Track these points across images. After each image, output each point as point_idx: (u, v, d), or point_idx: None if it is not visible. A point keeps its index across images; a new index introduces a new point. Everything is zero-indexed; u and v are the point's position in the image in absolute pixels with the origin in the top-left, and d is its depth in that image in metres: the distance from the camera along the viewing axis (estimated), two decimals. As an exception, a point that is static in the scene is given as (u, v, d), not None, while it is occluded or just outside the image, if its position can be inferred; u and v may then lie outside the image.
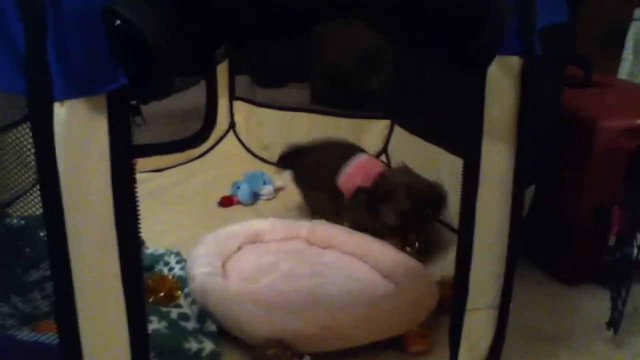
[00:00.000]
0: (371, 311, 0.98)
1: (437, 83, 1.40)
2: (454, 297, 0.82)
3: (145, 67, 0.49)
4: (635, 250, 1.04)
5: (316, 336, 0.94)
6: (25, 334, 0.91)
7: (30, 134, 0.51)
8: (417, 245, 1.26)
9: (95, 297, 0.57)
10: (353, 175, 1.36)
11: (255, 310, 0.97)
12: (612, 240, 1.14)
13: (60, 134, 0.49)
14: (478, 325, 0.82)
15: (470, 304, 0.79)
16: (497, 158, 0.73)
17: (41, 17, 0.47)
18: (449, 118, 1.14)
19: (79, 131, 0.49)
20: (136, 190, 0.55)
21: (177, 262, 1.14)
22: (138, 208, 0.56)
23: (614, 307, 1.07)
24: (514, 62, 0.68)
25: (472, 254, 0.77)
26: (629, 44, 1.88)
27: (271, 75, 2.53)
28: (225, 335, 0.99)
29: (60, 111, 0.49)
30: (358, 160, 1.40)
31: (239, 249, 1.23)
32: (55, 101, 0.48)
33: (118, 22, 0.47)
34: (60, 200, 0.51)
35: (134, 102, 0.52)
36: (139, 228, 0.57)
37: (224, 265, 1.14)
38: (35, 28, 0.48)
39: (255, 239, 1.28)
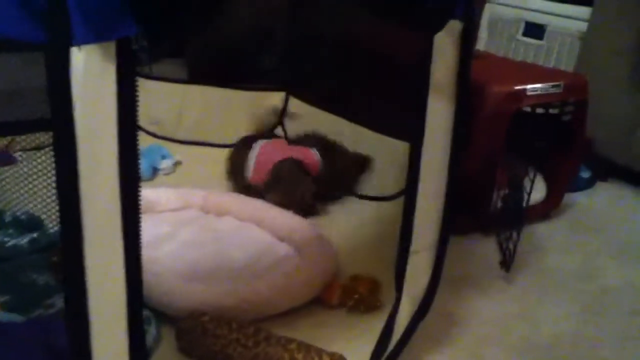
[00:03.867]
0: (288, 279, 1.02)
1: (339, 54, 1.47)
2: (400, 241, 0.89)
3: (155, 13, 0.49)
4: (525, 197, 1.21)
5: (236, 308, 0.95)
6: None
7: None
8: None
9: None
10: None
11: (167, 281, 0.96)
12: (502, 191, 1.32)
13: (77, 79, 0.48)
14: (418, 266, 0.91)
15: (413, 246, 0.87)
16: (440, 115, 0.82)
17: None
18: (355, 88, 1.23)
19: (92, 75, 0.49)
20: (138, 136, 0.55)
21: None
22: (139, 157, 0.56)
23: (506, 249, 1.24)
24: (456, 25, 0.77)
25: (416, 202, 0.85)
26: (484, 23, 2.12)
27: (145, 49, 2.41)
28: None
29: (77, 56, 0.48)
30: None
31: None
32: (73, 46, 0.48)
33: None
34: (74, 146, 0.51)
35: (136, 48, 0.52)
36: (139, 173, 0.57)
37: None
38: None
39: (148, 209, 1.22)
